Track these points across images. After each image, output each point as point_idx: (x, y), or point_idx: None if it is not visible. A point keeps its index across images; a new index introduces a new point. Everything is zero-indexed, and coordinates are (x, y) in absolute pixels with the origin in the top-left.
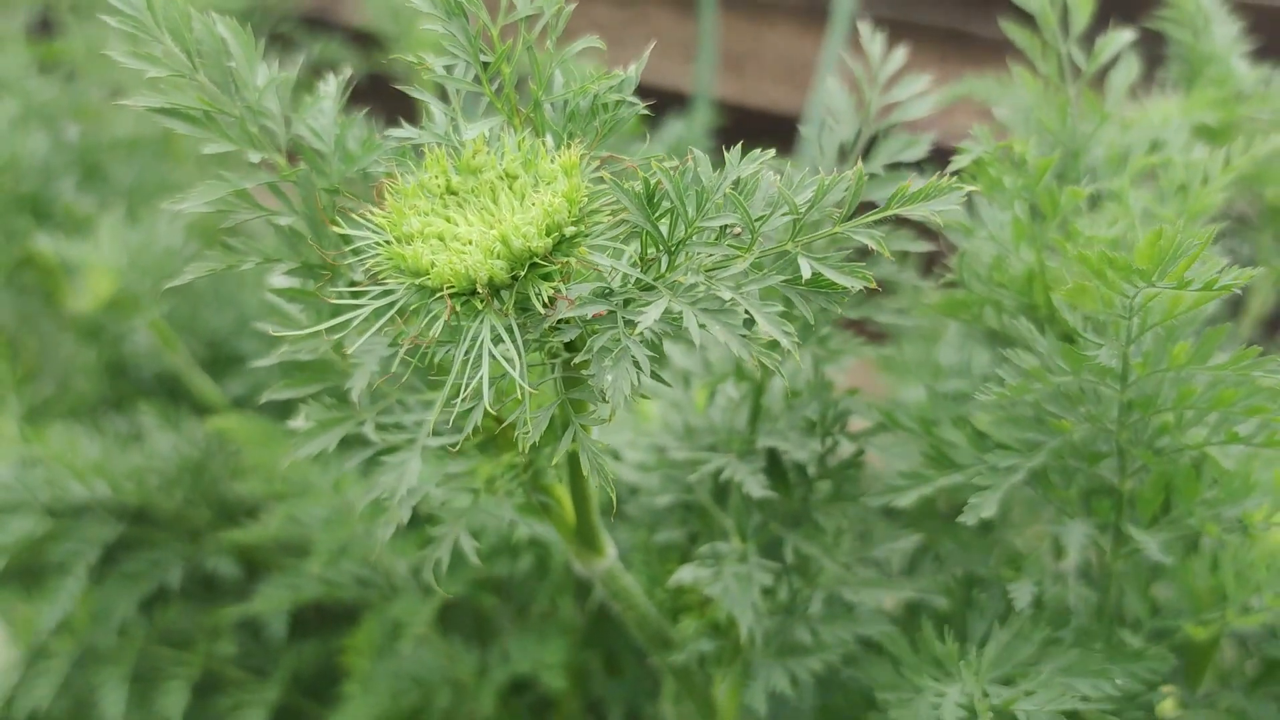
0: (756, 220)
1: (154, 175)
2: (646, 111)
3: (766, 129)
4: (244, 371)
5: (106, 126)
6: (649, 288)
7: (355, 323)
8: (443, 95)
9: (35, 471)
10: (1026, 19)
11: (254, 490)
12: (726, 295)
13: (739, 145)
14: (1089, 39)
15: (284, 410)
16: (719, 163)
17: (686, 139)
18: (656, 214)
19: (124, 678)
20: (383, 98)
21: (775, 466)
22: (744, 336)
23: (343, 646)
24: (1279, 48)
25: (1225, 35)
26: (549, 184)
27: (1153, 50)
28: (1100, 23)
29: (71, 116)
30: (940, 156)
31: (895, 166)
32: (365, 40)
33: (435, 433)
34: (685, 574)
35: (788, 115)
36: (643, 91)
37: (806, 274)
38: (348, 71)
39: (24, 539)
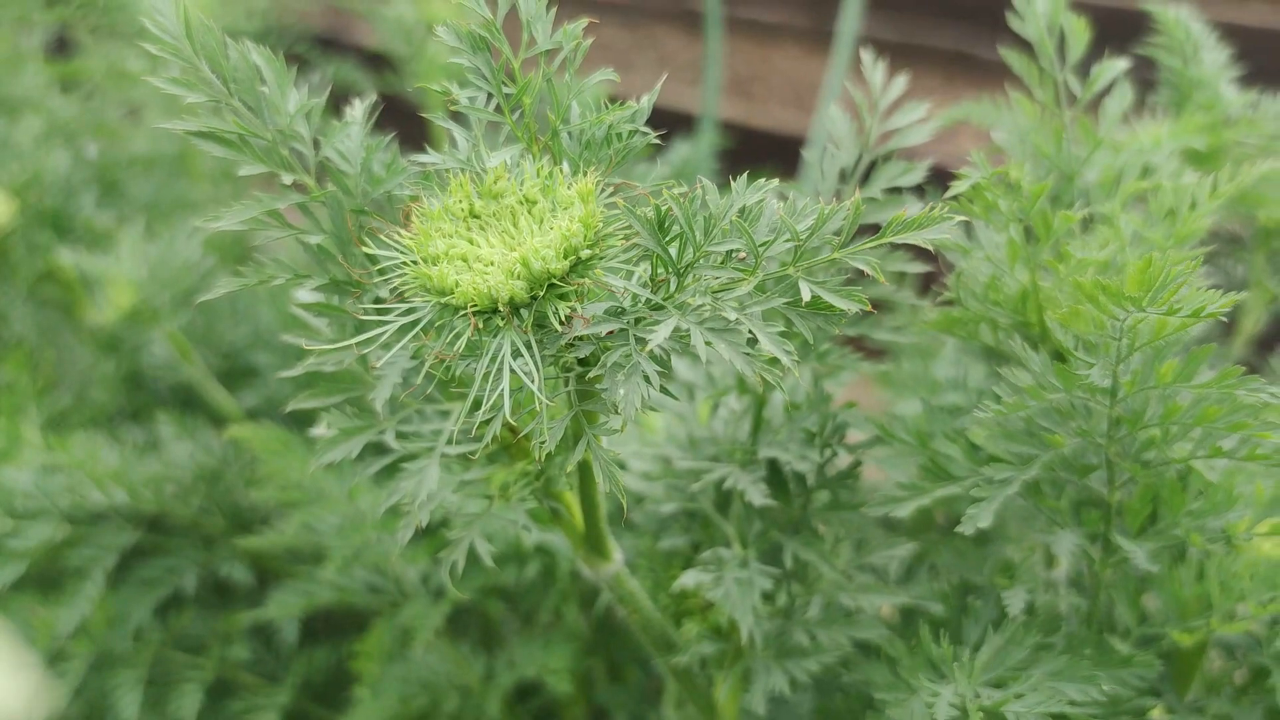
0: (760, 246)
1: (170, 191)
2: (656, 140)
3: (772, 150)
4: (258, 383)
5: (124, 143)
6: (659, 307)
7: (383, 338)
8: (455, 117)
9: (55, 479)
10: (1026, 45)
11: (270, 498)
12: (732, 316)
13: (745, 174)
14: (1083, 63)
15: (298, 421)
16: (725, 186)
17: (693, 161)
18: (667, 238)
19: (139, 681)
20: (396, 116)
21: (776, 476)
22: (748, 355)
23: (352, 652)
24: (1267, 68)
25: (1214, 61)
26: (566, 209)
27: (1144, 74)
28: (1094, 45)
29: (91, 134)
30: (944, 178)
31: (895, 190)
32: (377, 61)
33: (451, 441)
34: (688, 579)
35: (793, 136)
36: (651, 114)
37: (806, 297)
38: (372, 96)
39: (44, 544)
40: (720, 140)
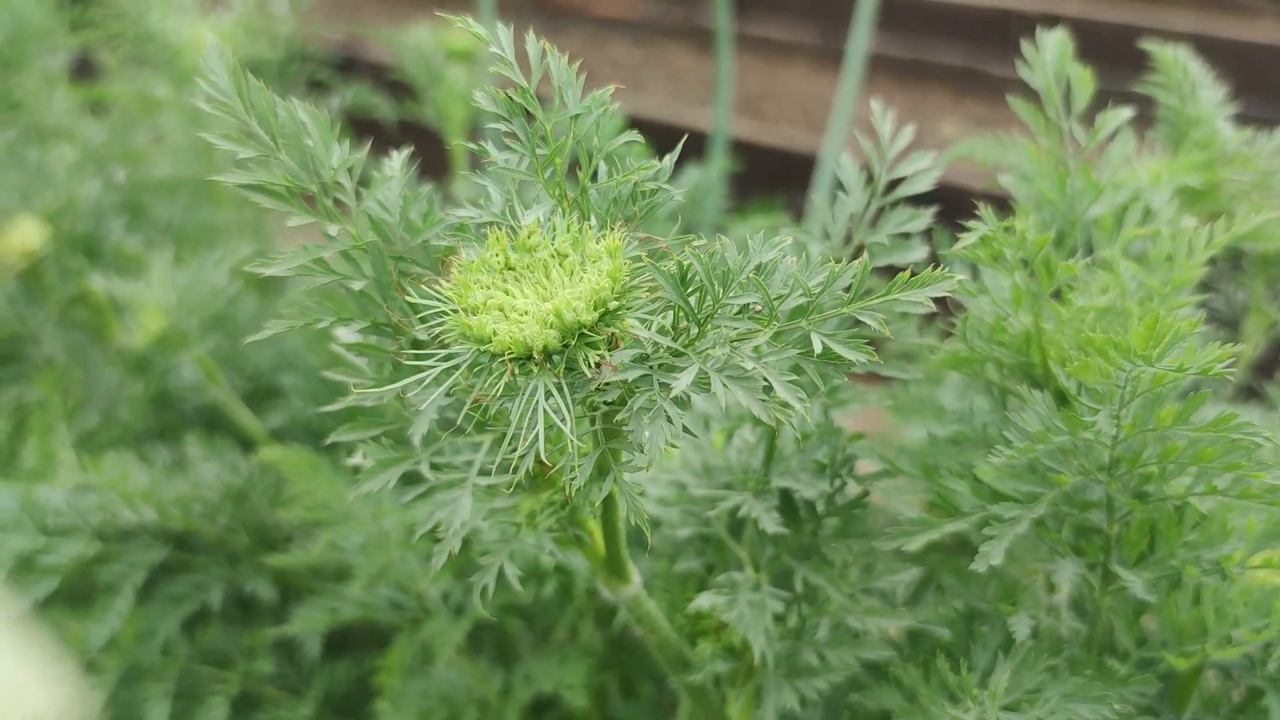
0: (775, 300)
1: (195, 215)
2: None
3: (782, 169)
4: (282, 404)
5: (148, 168)
6: (680, 354)
7: (426, 381)
8: (472, 136)
9: (87, 497)
10: (1032, 91)
11: (296, 517)
12: (749, 366)
13: (762, 233)
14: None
15: (320, 439)
16: (737, 210)
17: (704, 185)
18: (688, 290)
19: (167, 694)
20: (416, 139)
21: (787, 504)
22: (763, 400)
23: (374, 667)
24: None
25: (1210, 99)
26: (595, 263)
27: (1142, 110)
28: (1096, 59)
29: (119, 159)
30: (949, 197)
31: (903, 235)
32: (395, 84)
33: (482, 472)
34: (703, 600)
35: (804, 155)
36: (661, 131)
37: (818, 349)
38: (408, 149)
39: (75, 561)
40: (730, 164)
